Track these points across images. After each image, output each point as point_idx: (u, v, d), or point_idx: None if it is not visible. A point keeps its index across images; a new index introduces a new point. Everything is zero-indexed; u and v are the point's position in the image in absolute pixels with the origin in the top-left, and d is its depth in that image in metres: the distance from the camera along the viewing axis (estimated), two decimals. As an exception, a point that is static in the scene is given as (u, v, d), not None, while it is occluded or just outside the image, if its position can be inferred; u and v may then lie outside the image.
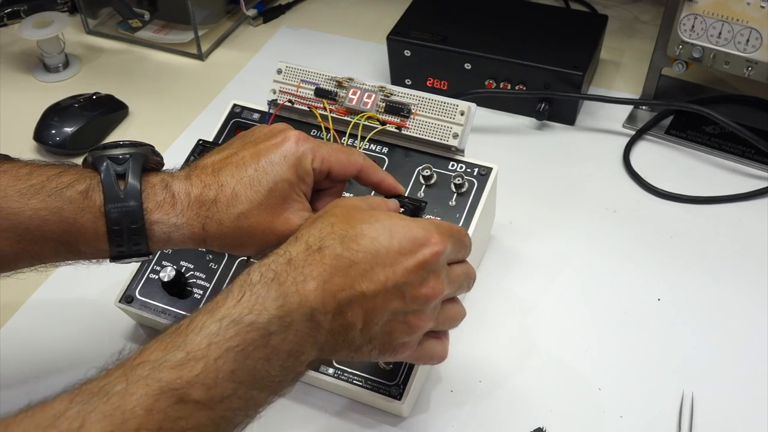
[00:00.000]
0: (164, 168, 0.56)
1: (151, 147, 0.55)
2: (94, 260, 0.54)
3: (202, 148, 0.68)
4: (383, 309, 0.48)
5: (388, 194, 0.59)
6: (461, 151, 0.69)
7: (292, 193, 0.54)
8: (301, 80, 0.72)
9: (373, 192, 0.64)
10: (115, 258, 0.52)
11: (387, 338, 0.50)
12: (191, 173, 0.54)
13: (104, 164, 0.52)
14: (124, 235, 0.51)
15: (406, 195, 0.66)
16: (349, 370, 0.62)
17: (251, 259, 0.66)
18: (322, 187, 0.58)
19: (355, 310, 0.47)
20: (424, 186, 0.68)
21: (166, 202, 0.52)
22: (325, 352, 0.48)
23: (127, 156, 0.53)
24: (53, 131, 0.89)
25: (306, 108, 0.72)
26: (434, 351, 0.54)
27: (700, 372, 0.65)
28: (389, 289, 0.48)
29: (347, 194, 0.68)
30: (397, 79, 0.94)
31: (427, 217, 0.65)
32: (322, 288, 0.46)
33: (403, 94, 0.70)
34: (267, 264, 0.47)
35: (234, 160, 0.54)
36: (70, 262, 0.54)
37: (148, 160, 0.54)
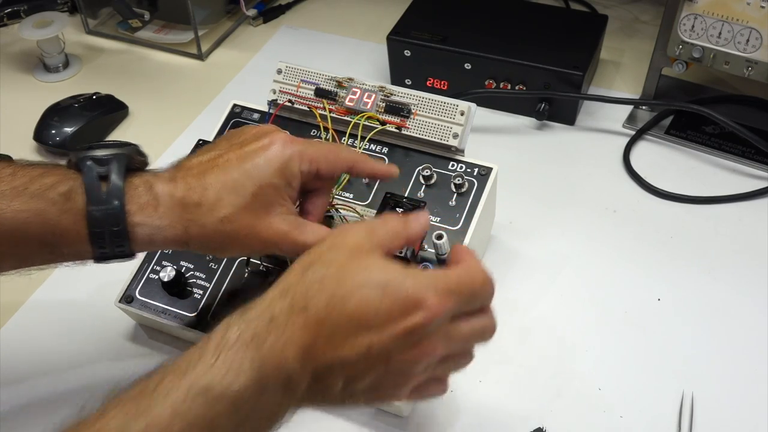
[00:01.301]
0: (152, 167, 0.55)
1: (136, 147, 0.55)
2: (78, 261, 0.53)
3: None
4: (365, 373, 0.44)
5: (385, 181, 0.58)
6: (461, 151, 0.69)
7: (277, 198, 0.53)
8: (301, 80, 0.72)
9: (373, 191, 0.63)
10: (98, 259, 0.52)
11: (374, 393, 0.46)
12: (176, 174, 0.53)
13: (87, 165, 0.51)
14: (106, 237, 0.50)
15: (405, 195, 0.67)
16: (349, 370, 0.62)
17: (251, 259, 0.66)
18: (311, 187, 0.57)
19: (334, 375, 0.44)
20: (424, 186, 0.68)
21: (149, 204, 0.51)
22: (306, 407, 0.46)
23: (111, 157, 0.52)
24: (53, 131, 0.89)
25: (306, 108, 0.72)
26: (431, 391, 0.50)
27: (700, 372, 0.65)
28: (372, 356, 0.43)
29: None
30: (397, 79, 0.94)
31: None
32: (302, 354, 0.43)
33: (403, 94, 0.70)
34: (247, 321, 0.44)
35: (219, 162, 0.53)
36: (54, 264, 0.53)
37: (132, 160, 0.53)
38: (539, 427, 0.62)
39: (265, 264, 0.66)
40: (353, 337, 0.43)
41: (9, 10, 1.11)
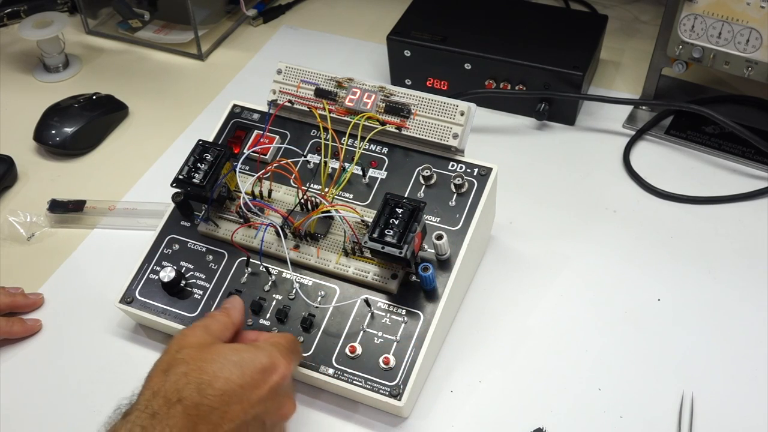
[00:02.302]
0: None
1: None
2: None
3: (201, 149, 0.68)
4: None
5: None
6: (461, 152, 0.69)
7: None
8: (301, 80, 0.72)
9: (373, 191, 0.63)
10: None
11: None
12: None
13: None
14: None
15: (405, 195, 0.67)
16: (349, 370, 0.62)
17: (251, 259, 0.66)
18: None
19: None
20: (424, 186, 0.68)
21: None
22: None
23: None
24: (53, 131, 0.89)
25: (306, 108, 0.72)
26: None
27: (700, 372, 0.65)
28: (249, 421, 0.52)
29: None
30: (397, 79, 0.94)
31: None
32: None
33: (403, 94, 0.70)
34: (132, 421, 0.49)
35: None
36: None
37: None
38: (539, 428, 0.62)
39: (265, 264, 0.66)
40: (229, 412, 0.51)
41: (9, 10, 1.11)
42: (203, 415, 0.50)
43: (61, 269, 0.77)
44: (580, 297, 0.72)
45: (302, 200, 0.67)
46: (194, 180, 0.66)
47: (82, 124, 0.90)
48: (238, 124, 0.75)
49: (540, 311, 0.71)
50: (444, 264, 0.65)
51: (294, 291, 0.66)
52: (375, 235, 0.60)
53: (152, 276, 0.69)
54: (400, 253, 0.60)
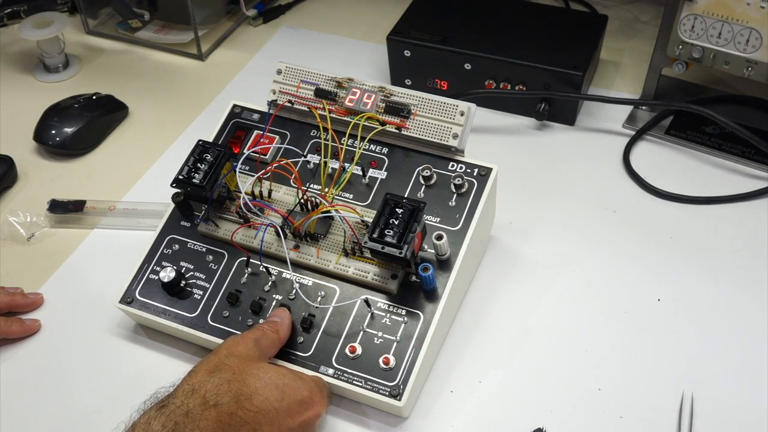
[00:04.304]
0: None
1: None
2: None
3: (201, 149, 0.68)
4: None
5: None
6: (461, 152, 0.69)
7: None
8: (301, 81, 0.72)
9: (373, 191, 0.63)
10: None
11: None
12: None
13: None
14: None
15: (405, 195, 0.67)
16: (349, 370, 0.62)
17: (251, 260, 0.66)
18: None
19: None
20: (424, 186, 0.68)
21: None
22: None
23: None
24: (53, 131, 0.89)
25: (306, 108, 0.72)
26: None
27: (700, 372, 0.65)
28: None
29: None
30: (397, 79, 0.94)
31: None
32: None
33: (403, 94, 0.70)
34: (167, 414, 0.51)
35: None
36: None
37: None
38: (539, 428, 0.62)
39: (265, 265, 0.66)
40: (257, 430, 0.52)
41: (9, 10, 1.11)
42: (234, 426, 0.51)
43: (61, 269, 0.77)
44: (580, 297, 0.72)
45: (302, 200, 0.67)
46: (194, 180, 0.66)
47: (82, 124, 0.90)
48: (238, 124, 0.75)
49: (540, 311, 0.71)
50: (444, 264, 0.65)
51: (294, 291, 0.66)
52: (375, 236, 0.60)
53: (152, 276, 0.69)
54: (400, 253, 0.60)
